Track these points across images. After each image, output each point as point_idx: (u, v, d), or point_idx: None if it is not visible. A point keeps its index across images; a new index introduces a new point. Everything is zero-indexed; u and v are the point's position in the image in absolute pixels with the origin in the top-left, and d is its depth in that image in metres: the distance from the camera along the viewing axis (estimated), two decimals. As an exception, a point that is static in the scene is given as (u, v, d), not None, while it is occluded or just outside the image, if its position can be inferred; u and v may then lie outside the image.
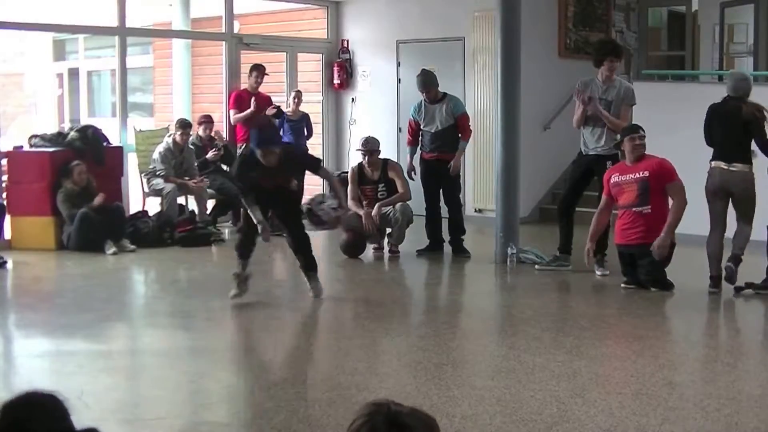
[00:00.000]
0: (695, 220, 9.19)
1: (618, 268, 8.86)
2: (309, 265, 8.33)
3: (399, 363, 6.38)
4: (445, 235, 10.39)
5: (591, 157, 9.29)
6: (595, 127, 9.20)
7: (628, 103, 9.23)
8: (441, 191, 10.42)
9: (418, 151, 10.52)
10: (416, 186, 10.45)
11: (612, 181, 8.60)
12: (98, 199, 10.53)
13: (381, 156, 10.49)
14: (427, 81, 10.32)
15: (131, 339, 7.47)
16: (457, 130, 10.26)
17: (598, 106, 9.05)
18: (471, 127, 10.48)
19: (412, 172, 10.50)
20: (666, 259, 8.37)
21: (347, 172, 11.45)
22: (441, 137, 10.22)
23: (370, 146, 10.34)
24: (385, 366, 6.30)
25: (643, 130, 8.55)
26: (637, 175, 8.39)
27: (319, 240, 12.00)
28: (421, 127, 10.33)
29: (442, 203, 10.42)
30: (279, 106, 12.76)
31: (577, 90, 9.27)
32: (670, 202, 8.37)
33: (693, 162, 9.08)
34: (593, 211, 9.27)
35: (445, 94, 10.40)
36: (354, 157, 11.59)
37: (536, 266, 9.56)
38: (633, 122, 9.01)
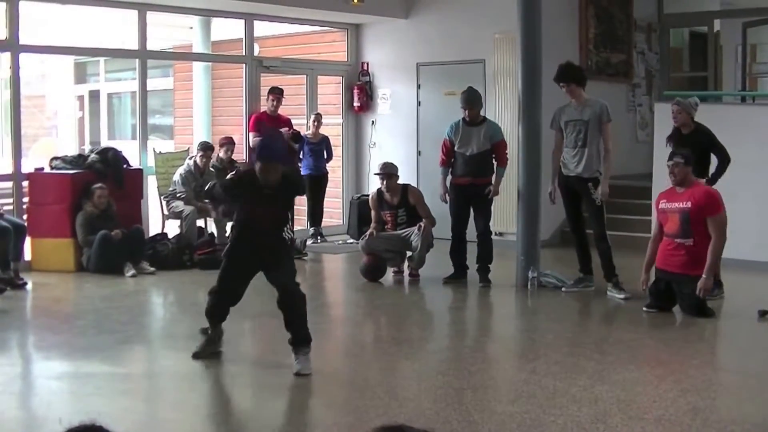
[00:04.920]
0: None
1: (638, 292, 8.81)
2: (297, 337, 6.61)
3: (419, 387, 6.32)
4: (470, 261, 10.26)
5: (572, 178, 9.35)
6: (575, 149, 9.29)
7: (605, 120, 9.26)
8: (472, 217, 10.12)
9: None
10: (442, 210, 10.31)
11: (660, 207, 8.49)
12: (116, 234, 10.53)
13: (401, 180, 10.48)
14: (471, 98, 9.97)
15: (150, 361, 7.44)
16: (491, 156, 9.94)
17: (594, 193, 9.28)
18: (508, 155, 10.08)
19: (446, 194, 10.11)
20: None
21: (367, 196, 11.46)
22: (475, 161, 9.89)
23: (388, 169, 10.31)
24: (405, 390, 6.25)
25: (682, 156, 8.32)
26: (681, 204, 8.22)
27: (339, 263, 12.02)
28: (456, 148, 9.95)
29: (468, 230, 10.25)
30: (298, 131, 12.74)
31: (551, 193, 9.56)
32: None
33: (718, 184, 9.01)
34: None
35: (485, 118, 10.17)
36: (374, 181, 11.56)
37: (563, 289, 9.50)
38: (672, 149, 8.88)
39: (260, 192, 6.50)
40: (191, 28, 14.55)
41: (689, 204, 8.16)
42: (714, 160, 9.15)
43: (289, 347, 6.52)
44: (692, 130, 9.10)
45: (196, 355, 6.88)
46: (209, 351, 6.91)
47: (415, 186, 11.23)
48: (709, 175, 9.01)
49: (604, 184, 9.20)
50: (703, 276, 8.08)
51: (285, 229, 6.68)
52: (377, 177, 10.44)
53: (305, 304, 6.62)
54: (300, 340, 6.51)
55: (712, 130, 9.23)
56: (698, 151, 8.76)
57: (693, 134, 9.07)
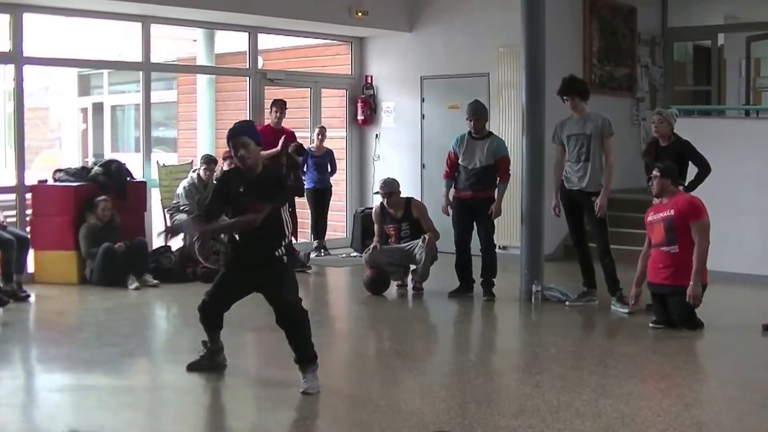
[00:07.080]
0: (725, 257, 9.12)
1: (643, 305, 8.80)
2: (300, 356, 6.45)
3: (422, 401, 6.30)
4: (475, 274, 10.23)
5: (575, 192, 9.37)
6: (579, 163, 9.30)
7: (607, 134, 9.28)
8: (474, 231, 10.08)
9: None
10: (447, 224, 10.24)
11: (647, 221, 8.57)
12: (120, 247, 10.53)
13: (404, 193, 10.47)
14: (477, 109, 9.95)
15: (153, 374, 7.43)
16: (494, 171, 9.88)
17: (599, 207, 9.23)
18: (510, 171, 10.00)
19: (449, 207, 10.06)
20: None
21: (371, 209, 11.45)
22: (477, 175, 9.84)
23: (388, 188, 10.28)
24: (408, 404, 6.22)
25: (659, 169, 8.42)
26: (665, 213, 8.33)
27: (342, 276, 12.00)
28: (459, 161, 9.93)
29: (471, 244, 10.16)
30: (301, 144, 12.72)
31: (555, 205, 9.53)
32: None
33: (720, 198, 9.01)
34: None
35: (491, 132, 10.14)
36: (377, 195, 11.55)
37: (566, 303, 9.49)
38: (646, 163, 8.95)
39: (246, 183, 6.28)
40: (195, 40, 14.57)
41: (672, 212, 8.28)
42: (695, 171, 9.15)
43: (294, 363, 6.46)
44: (671, 142, 9.12)
45: (190, 367, 6.86)
46: (206, 365, 6.86)
47: (419, 199, 11.20)
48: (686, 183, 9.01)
49: (603, 198, 9.19)
50: (691, 283, 8.13)
51: (281, 243, 6.36)
52: (379, 195, 10.42)
53: (307, 321, 6.44)
54: (303, 359, 6.40)
55: (716, 143, 9.24)
56: (679, 161, 8.83)
57: (672, 145, 9.09)
